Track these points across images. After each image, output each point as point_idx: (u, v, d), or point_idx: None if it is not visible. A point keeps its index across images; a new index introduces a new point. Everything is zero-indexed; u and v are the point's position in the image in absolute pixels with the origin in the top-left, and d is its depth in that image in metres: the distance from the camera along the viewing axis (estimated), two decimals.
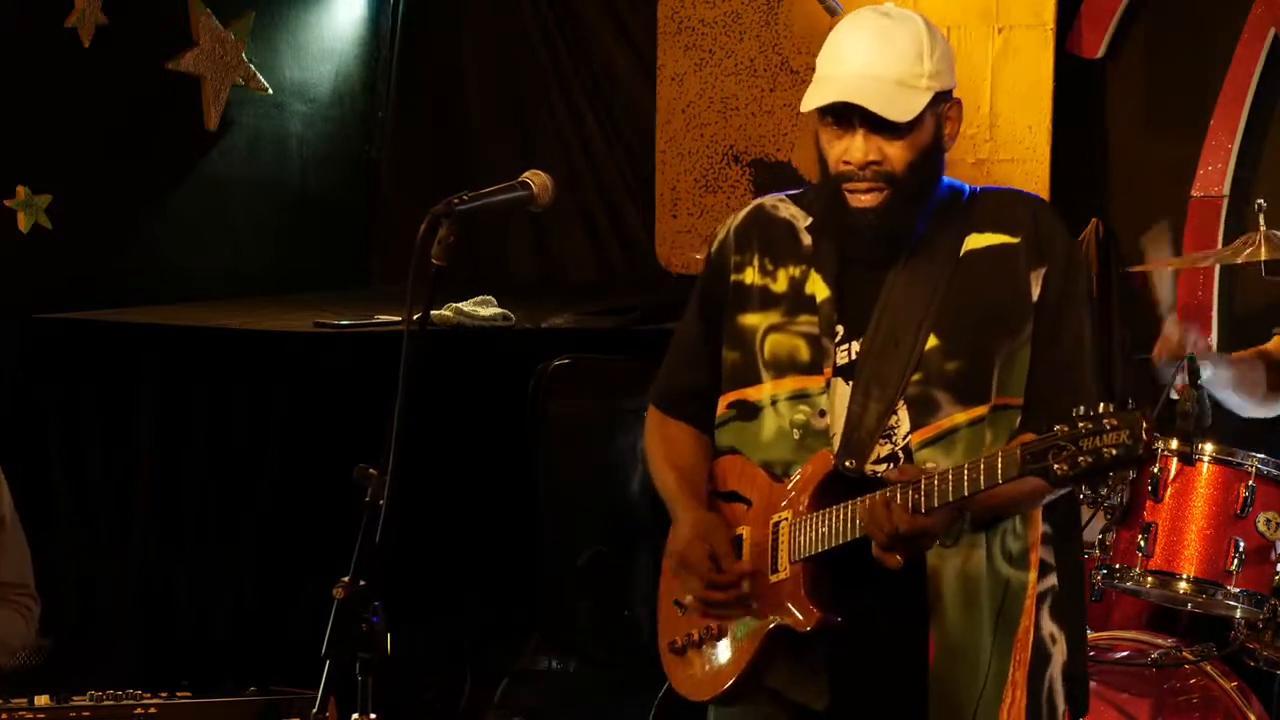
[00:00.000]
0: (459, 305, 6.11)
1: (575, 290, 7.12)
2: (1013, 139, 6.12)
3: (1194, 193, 5.91)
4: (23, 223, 6.39)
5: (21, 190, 6.37)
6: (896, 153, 3.24)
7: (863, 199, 3.26)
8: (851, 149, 3.25)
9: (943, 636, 3.25)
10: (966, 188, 3.37)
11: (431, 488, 5.47)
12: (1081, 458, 2.90)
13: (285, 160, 7.36)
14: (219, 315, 6.32)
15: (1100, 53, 6.16)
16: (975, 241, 3.30)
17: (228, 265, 7.13)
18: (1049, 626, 3.32)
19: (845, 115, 3.25)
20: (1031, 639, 3.28)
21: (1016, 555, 3.27)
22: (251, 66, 7.03)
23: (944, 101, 3.29)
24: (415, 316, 3.09)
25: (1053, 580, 3.32)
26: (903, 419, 3.26)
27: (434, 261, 3.07)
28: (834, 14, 6.33)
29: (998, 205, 3.35)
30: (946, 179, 3.36)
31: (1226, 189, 5.86)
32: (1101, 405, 2.90)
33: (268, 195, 7.30)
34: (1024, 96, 6.09)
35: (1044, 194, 6.10)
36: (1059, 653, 3.34)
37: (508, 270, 7.45)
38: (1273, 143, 5.88)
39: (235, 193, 7.14)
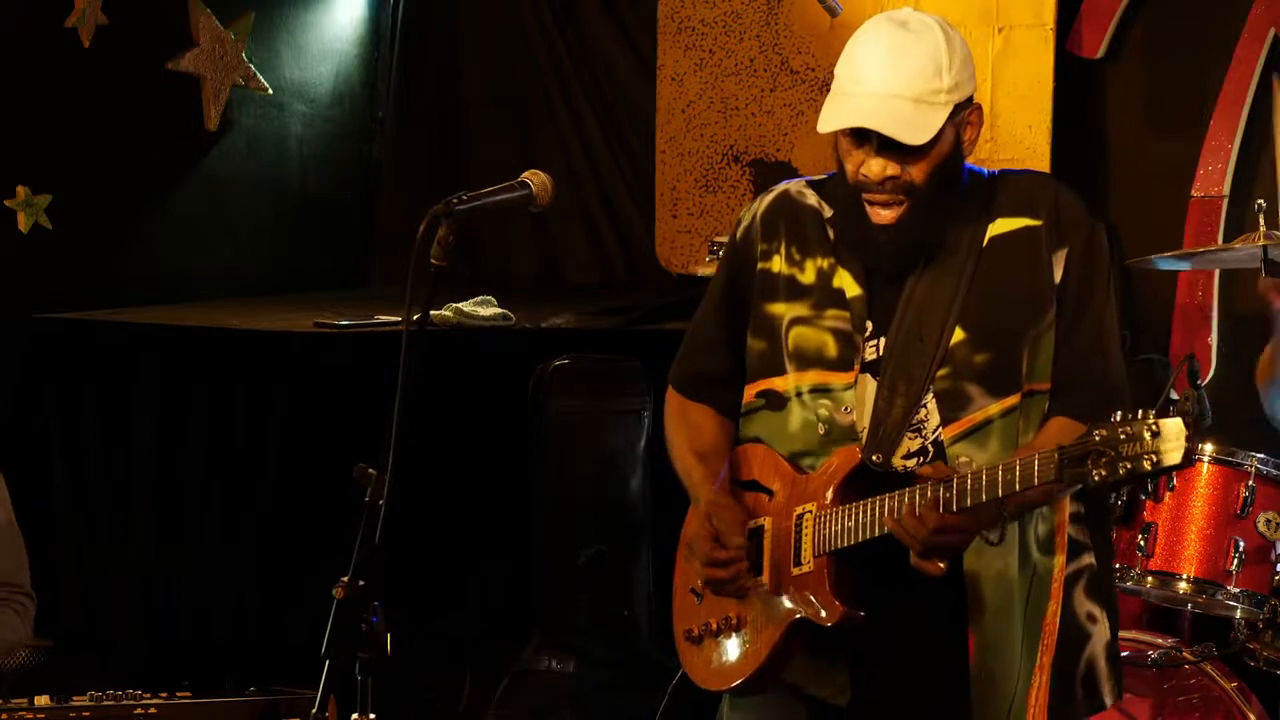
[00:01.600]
0: (459, 305, 6.11)
1: (575, 290, 7.12)
2: (1013, 139, 6.12)
3: (1194, 193, 5.90)
4: (23, 223, 6.39)
5: (21, 190, 6.37)
6: (915, 166, 3.22)
7: (882, 214, 3.25)
8: (869, 165, 3.23)
9: (982, 636, 3.25)
10: (985, 171, 3.36)
11: (431, 487, 5.47)
12: (1121, 464, 2.89)
13: (285, 160, 7.35)
14: (219, 315, 6.32)
15: (1100, 53, 6.16)
16: (999, 227, 3.29)
17: (228, 265, 7.13)
18: (1086, 605, 3.32)
19: (862, 132, 3.22)
20: (1059, 621, 3.27)
21: (1044, 539, 3.28)
22: (251, 66, 7.03)
23: (964, 109, 3.26)
24: (415, 316, 3.09)
25: (1089, 559, 3.33)
26: (932, 413, 3.25)
27: (433, 261, 3.08)
28: (834, 14, 6.33)
29: (1020, 187, 3.33)
30: (974, 165, 3.35)
31: (1226, 189, 5.86)
32: (1141, 411, 2.89)
33: (268, 195, 7.30)
34: (1024, 96, 6.09)
35: None
36: (1101, 632, 3.35)
37: (508, 270, 7.45)
38: (1273, 142, 5.88)
39: (235, 193, 7.14)
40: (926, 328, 3.26)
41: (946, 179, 3.27)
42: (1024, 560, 3.26)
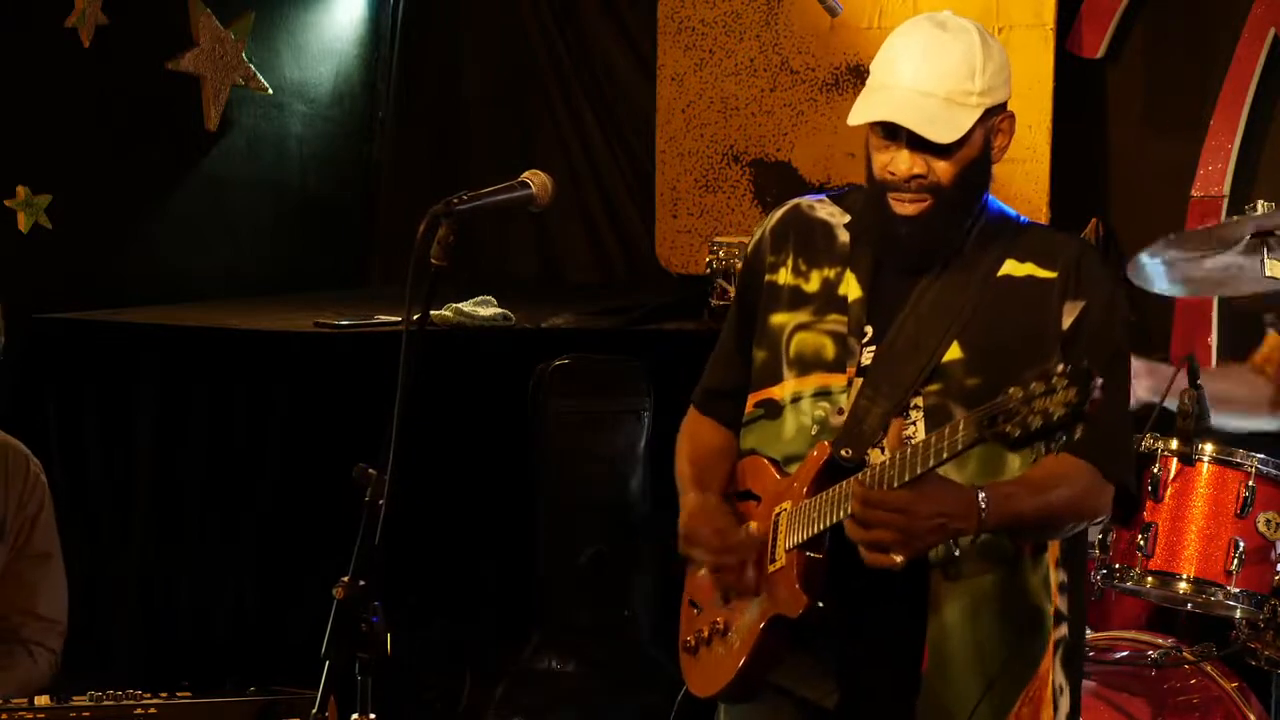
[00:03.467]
0: (459, 305, 6.11)
1: (575, 290, 7.12)
2: (1013, 139, 6.11)
3: (1194, 193, 5.91)
4: (23, 223, 6.39)
5: (21, 190, 6.38)
6: (942, 166, 3.22)
7: (906, 207, 3.24)
8: (896, 161, 3.22)
9: (937, 642, 3.24)
10: (1017, 216, 3.35)
11: (431, 488, 5.48)
12: (1031, 418, 2.88)
13: (285, 160, 7.35)
14: (219, 315, 6.32)
15: (1100, 53, 6.16)
16: (1011, 268, 3.28)
17: (228, 265, 7.13)
18: (1059, 677, 3.32)
19: (892, 128, 3.23)
20: (1051, 685, 3.28)
21: (1038, 592, 3.28)
22: (251, 66, 7.03)
23: (995, 115, 3.27)
24: (415, 316, 3.09)
25: (1064, 630, 3.33)
26: (920, 428, 3.24)
27: (433, 261, 3.08)
28: (834, 14, 6.33)
29: (1043, 239, 3.33)
30: (1000, 204, 3.34)
31: (1226, 189, 5.86)
32: (1060, 366, 2.88)
33: (268, 195, 7.30)
34: (1024, 96, 6.08)
35: (1044, 194, 6.10)
36: (1065, 704, 3.34)
37: (508, 270, 7.45)
38: (1273, 143, 5.88)
39: (235, 193, 7.14)
40: (924, 337, 3.26)
41: (972, 183, 3.26)
42: (1006, 588, 3.25)
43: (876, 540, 3.09)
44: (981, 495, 3.11)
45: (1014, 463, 3.21)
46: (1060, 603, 3.31)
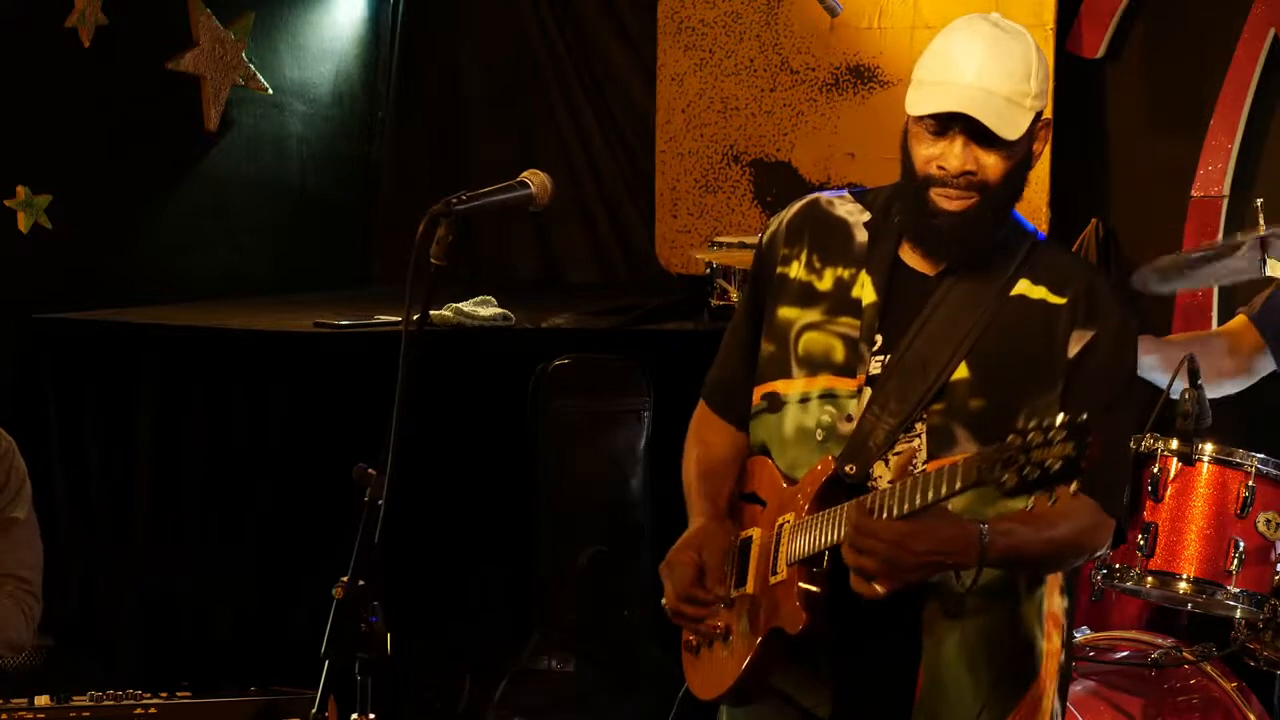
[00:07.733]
0: (459, 305, 6.11)
1: (575, 290, 7.13)
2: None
3: (1194, 193, 5.91)
4: (23, 223, 6.39)
5: (21, 190, 6.37)
6: (993, 164, 3.19)
7: (952, 204, 3.21)
8: (948, 156, 3.19)
9: (932, 665, 3.24)
10: (1036, 233, 3.35)
11: (431, 487, 5.48)
12: (1028, 469, 2.88)
13: (285, 160, 7.35)
14: (219, 315, 6.32)
15: (1100, 53, 6.16)
16: (1025, 288, 3.27)
17: (228, 265, 7.13)
18: (1056, 704, 3.32)
19: (946, 122, 3.20)
20: (1050, 710, 3.29)
21: (1034, 618, 3.28)
22: (251, 66, 7.03)
23: (1037, 121, 3.25)
24: (415, 316, 3.09)
25: (1063, 657, 3.34)
26: (923, 444, 3.23)
27: (433, 261, 3.08)
28: (834, 14, 6.33)
29: (1057, 262, 3.31)
30: (1022, 217, 3.33)
31: (1226, 189, 5.86)
32: (1061, 417, 2.88)
33: (268, 195, 7.30)
34: None
35: (1044, 194, 6.11)
36: None
37: (508, 270, 7.45)
38: (1273, 143, 5.88)
39: (235, 193, 7.14)
40: (933, 354, 3.24)
41: (1015, 185, 3.25)
42: (1002, 618, 3.25)
43: (863, 567, 3.09)
44: (984, 529, 3.10)
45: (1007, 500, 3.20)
46: (1064, 628, 3.31)
